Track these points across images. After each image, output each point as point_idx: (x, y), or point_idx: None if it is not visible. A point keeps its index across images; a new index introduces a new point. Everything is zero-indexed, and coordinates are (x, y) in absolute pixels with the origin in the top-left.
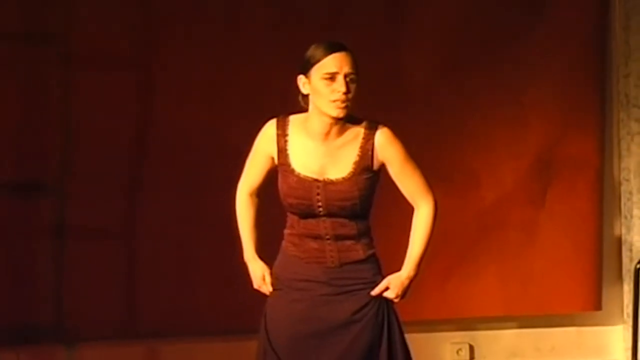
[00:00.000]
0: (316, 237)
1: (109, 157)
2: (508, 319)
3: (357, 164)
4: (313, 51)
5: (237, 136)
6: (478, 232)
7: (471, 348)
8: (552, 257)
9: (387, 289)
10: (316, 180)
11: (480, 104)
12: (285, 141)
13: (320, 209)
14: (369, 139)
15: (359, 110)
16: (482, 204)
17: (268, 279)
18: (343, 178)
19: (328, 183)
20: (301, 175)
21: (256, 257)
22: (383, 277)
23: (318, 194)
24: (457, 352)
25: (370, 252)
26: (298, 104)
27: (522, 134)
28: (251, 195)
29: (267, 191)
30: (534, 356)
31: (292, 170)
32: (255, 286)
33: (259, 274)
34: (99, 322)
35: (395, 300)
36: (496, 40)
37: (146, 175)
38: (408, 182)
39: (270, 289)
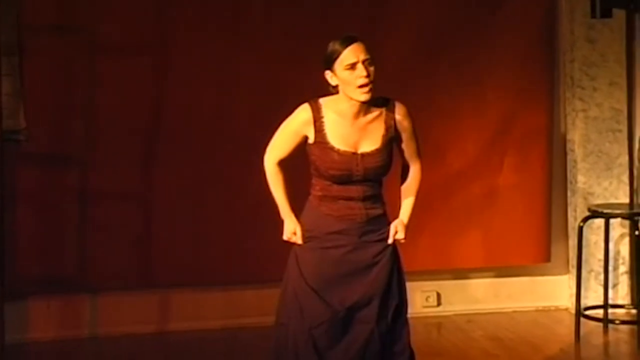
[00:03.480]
0: (348, 199)
1: (128, 131)
2: (470, 270)
3: (385, 136)
4: (332, 48)
5: (241, 112)
6: (445, 196)
7: (438, 295)
8: (509, 217)
9: (395, 232)
10: (354, 153)
11: (447, 85)
12: (322, 123)
13: (358, 176)
14: (390, 115)
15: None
16: (448, 171)
17: (299, 233)
18: (376, 149)
19: (365, 155)
20: (341, 151)
21: (291, 214)
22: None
23: (357, 165)
24: (427, 299)
25: (385, 207)
26: (294, 83)
27: (483, 110)
28: (278, 164)
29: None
30: (493, 302)
31: (332, 147)
32: (285, 238)
33: (292, 228)
34: (119, 274)
35: (403, 240)
36: (462, 29)
37: (160, 147)
38: (411, 147)
39: (301, 241)
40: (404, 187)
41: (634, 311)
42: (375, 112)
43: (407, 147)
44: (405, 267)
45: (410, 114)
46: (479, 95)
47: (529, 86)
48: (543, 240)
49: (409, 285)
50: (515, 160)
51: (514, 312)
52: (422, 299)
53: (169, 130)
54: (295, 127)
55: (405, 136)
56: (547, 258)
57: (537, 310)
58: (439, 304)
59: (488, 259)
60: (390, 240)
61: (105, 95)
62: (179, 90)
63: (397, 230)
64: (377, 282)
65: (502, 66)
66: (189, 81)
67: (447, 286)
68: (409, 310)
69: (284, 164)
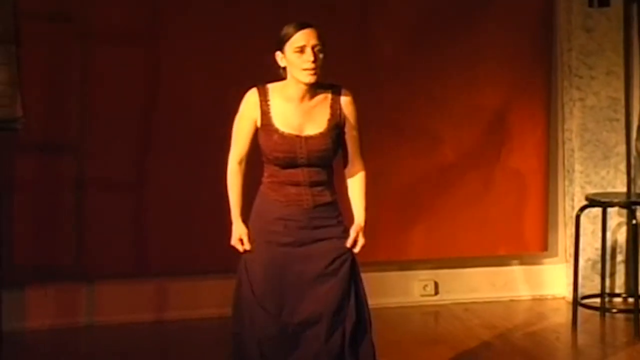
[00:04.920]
0: (295, 184)
1: (122, 120)
2: (467, 259)
3: (330, 121)
4: (285, 30)
5: (234, 101)
6: (441, 185)
7: (436, 284)
8: (505, 206)
9: (356, 239)
10: (297, 136)
11: (442, 74)
12: (268, 105)
13: (302, 160)
14: (336, 100)
15: (336, 80)
16: (444, 161)
17: (245, 240)
18: (320, 133)
19: (308, 138)
20: (285, 133)
21: (239, 219)
22: (341, 215)
23: (300, 147)
24: (424, 288)
25: (335, 196)
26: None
27: (480, 100)
28: (240, 163)
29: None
30: (490, 291)
31: (276, 130)
32: (232, 243)
33: (237, 235)
34: (116, 263)
35: (362, 243)
36: (459, 18)
37: (154, 136)
38: (353, 141)
39: (245, 248)
40: (351, 192)
41: (630, 300)
42: (321, 97)
43: (350, 139)
44: (404, 256)
45: (356, 103)
46: (476, 84)
47: (527, 75)
48: (540, 229)
49: (406, 273)
50: (513, 149)
51: (511, 301)
52: (419, 287)
53: (164, 118)
54: (245, 112)
55: (348, 125)
56: (545, 247)
57: (534, 299)
58: (436, 292)
59: (485, 247)
60: (357, 250)
61: (100, 84)
62: (174, 78)
63: (358, 236)
64: (328, 299)
65: (500, 55)
66: (184, 69)
67: (444, 275)
68: (406, 300)
69: (246, 164)
